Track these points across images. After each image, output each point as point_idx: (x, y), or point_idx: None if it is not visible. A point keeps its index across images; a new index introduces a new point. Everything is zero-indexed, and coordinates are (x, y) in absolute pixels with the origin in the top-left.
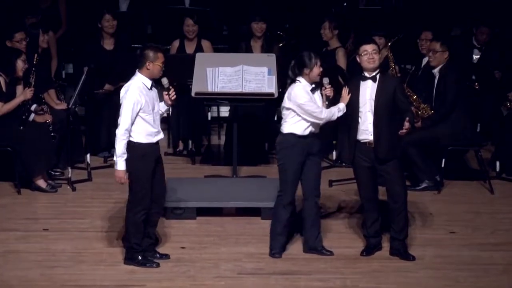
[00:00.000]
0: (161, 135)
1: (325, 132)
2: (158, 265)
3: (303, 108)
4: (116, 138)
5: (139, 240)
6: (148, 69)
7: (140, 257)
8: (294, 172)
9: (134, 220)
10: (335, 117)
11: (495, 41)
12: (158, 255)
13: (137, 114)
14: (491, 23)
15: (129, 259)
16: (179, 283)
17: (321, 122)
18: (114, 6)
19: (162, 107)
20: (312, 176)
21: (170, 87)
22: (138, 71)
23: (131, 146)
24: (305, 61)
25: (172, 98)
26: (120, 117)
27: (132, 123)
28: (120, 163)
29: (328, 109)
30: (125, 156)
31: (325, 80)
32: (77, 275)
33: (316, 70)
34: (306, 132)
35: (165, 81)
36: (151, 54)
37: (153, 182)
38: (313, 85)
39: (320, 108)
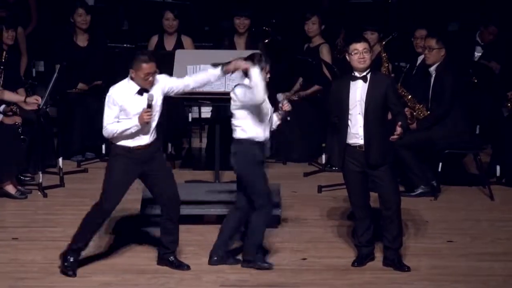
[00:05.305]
0: (140, 142)
1: (313, 134)
2: (74, 274)
3: None
4: (108, 137)
5: (82, 239)
6: (131, 76)
7: (67, 259)
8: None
9: (88, 215)
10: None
11: (498, 39)
12: (176, 263)
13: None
14: (499, 22)
15: (64, 256)
16: None
17: None
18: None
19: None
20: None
21: (150, 105)
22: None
23: (111, 143)
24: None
25: (145, 119)
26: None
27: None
28: (131, 122)
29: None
30: (123, 123)
31: (280, 97)
32: (48, 287)
33: (265, 75)
34: None
35: (149, 97)
36: (135, 62)
37: (155, 188)
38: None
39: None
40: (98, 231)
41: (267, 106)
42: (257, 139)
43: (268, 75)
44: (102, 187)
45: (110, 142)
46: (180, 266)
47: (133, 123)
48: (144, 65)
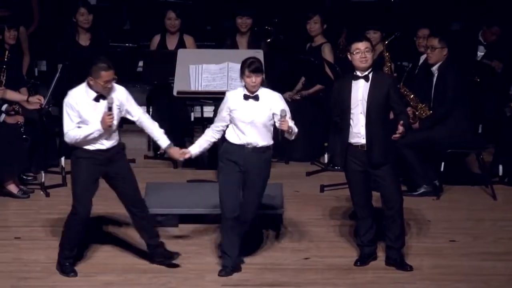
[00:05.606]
0: (101, 146)
1: (316, 134)
2: (74, 274)
3: None
4: (70, 143)
5: (68, 246)
6: (90, 83)
7: (63, 263)
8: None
9: (67, 222)
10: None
11: (501, 39)
12: (167, 255)
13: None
14: (501, 22)
15: (58, 262)
16: None
17: None
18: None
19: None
20: None
21: (111, 108)
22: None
23: (72, 147)
24: (241, 66)
25: (107, 123)
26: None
27: (78, 126)
28: (93, 127)
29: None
30: (84, 128)
31: (283, 112)
32: (51, 287)
33: (246, 79)
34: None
35: (109, 100)
36: (93, 69)
37: (117, 190)
38: (249, 93)
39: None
40: (81, 236)
41: (244, 114)
42: (233, 142)
43: (253, 79)
44: (72, 193)
45: (71, 146)
46: (171, 257)
47: (95, 128)
48: (103, 73)
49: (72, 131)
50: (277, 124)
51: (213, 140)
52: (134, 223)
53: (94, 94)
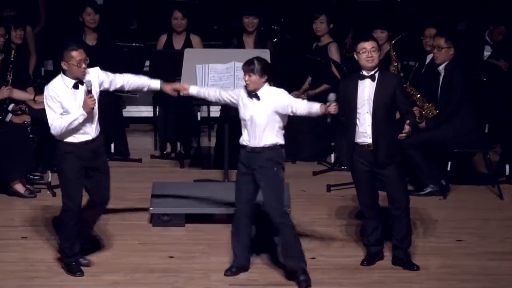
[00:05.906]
0: (87, 137)
1: (322, 133)
2: (81, 274)
3: None
4: (57, 134)
5: (68, 244)
6: (65, 69)
7: (68, 263)
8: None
9: (60, 221)
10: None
11: (507, 39)
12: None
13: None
14: (508, 22)
15: (63, 262)
16: None
17: None
18: None
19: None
20: None
21: (90, 91)
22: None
23: (56, 143)
24: None
25: (90, 105)
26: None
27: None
28: (76, 113)
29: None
30: (68, 116)
31: (332, 97)
32: (57, 286)
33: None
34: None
35: (87, 83)
36: (64, 53)
37: (92, 186)
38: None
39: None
40: (76, 231)
41: (244, 112)
42: (240, 142)
43: (246, 77)
44: (61, 191)
45: (56, 140)
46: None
47: (79, 113)
48: (74, 53)
49: (56, 121)
50: (325, 111)
51: (210, 95)
52: (84, 215)
53: (72, 82)
